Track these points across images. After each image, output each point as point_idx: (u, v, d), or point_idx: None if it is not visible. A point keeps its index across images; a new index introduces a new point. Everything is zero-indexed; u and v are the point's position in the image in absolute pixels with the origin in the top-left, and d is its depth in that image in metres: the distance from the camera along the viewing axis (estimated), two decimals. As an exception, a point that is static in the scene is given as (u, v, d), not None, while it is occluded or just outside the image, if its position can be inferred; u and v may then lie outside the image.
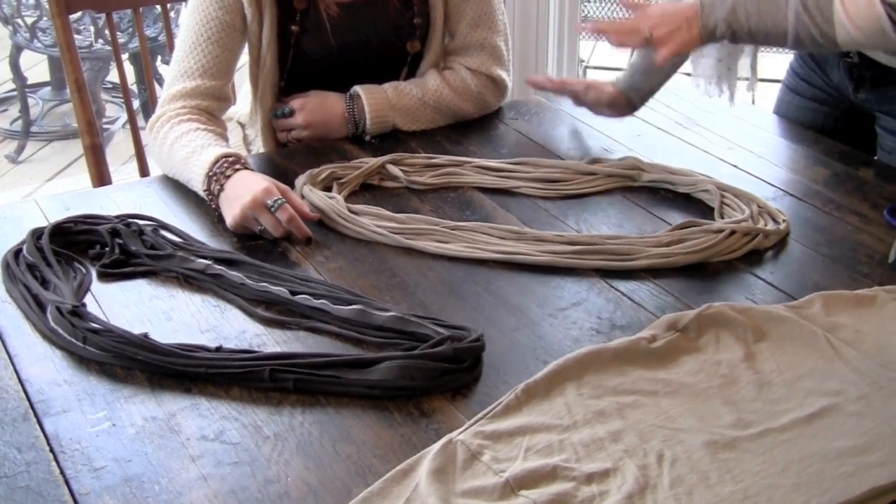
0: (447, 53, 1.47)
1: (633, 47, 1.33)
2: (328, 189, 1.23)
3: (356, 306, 0.97)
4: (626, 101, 1.40)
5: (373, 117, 1.38)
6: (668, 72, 1.37)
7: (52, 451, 0.80)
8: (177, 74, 1.32)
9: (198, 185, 1.18)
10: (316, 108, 1.38)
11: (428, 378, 0.87)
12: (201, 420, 0.84)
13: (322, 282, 1.03)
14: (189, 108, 1.29)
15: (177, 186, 1.25)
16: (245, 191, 1.12)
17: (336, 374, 0.87)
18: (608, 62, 3.69)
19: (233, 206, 1.13)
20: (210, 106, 1.31)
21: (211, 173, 1.16)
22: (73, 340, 0.92)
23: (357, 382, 0.87)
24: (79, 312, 0.94)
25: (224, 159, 1.17)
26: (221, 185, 1.15)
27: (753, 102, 3.52)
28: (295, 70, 1.40)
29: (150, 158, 1.43)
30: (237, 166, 1.16)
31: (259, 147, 1.43)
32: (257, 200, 1.10)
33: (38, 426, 0.83)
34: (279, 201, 1.11)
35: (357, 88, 1.38)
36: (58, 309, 0.94)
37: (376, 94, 1.38)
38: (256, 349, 0.92)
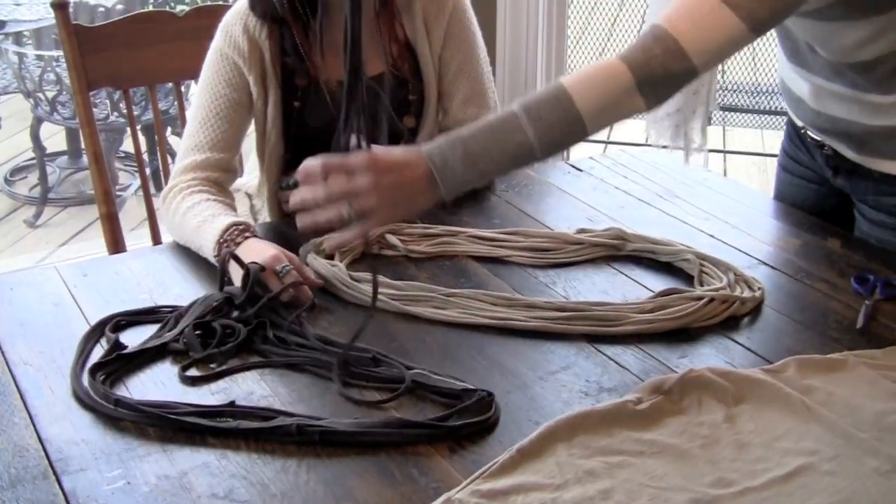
0: (441, 129, 1.53)
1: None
2: (331, 257, 1.28)
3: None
4: None
5: (372, 188, 1.44)
6: None
7: (71, 508, 0.83)
8: (188, 148, 1.39)
9: (209, 251, 1.24)
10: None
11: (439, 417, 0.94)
12: (211, 478, 0.87)
13: (342, 344, 1.07)
14: (199, 179, 1.36)
15: (188, 253, 1.30)
16: (255, 257, 1.17)
17: (359, 425, 0.93)
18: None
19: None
20: (219, 178, 1.38)
21: (222, 240, 1.22)
22: (105, 403, 0.97)
23: (378, 434, 0.93)
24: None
25: (234, 227, 1.23)
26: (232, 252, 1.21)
27: (725, 174, 3.61)
28: (299, 141, 1.47)
29: (163, 226, 1.49)
30: (246, 234, 1.23)
31: (265, 217, 1.49)
32: (267, 267, 1.16)
33: (56, 484, 0.86)
34: (286, 268, 1.17)
35: (356, 161, 1.45)
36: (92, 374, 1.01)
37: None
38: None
